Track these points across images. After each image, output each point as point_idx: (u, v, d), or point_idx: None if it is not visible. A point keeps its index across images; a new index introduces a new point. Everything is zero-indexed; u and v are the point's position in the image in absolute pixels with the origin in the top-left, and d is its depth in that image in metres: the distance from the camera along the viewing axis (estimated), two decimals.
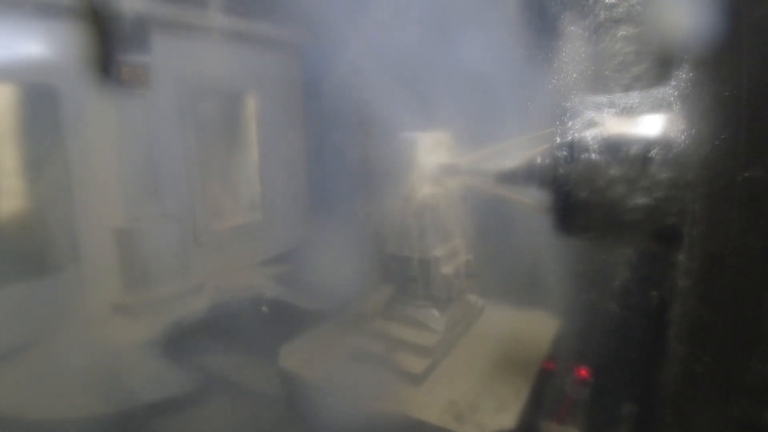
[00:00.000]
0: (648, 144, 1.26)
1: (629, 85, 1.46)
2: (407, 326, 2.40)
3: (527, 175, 1.51)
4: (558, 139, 1.35)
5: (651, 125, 1.27)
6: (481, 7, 2.54)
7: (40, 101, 3.26)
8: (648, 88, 1.36)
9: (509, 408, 1.98)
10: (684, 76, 1.23)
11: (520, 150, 1.57)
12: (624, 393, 1.82)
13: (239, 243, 4.30)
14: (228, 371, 3.37)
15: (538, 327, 2.62)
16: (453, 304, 2.46)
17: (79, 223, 3.50)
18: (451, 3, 2.69)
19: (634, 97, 1.31)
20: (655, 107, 1.28)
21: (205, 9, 3.79)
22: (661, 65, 1.37)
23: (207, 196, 4.17)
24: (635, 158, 1.27)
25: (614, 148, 1.29)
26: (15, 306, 3.20)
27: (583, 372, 2.37)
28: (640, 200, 1.27)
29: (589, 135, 1.31)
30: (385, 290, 2.59)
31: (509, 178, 1.58)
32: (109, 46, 3.37)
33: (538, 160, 1.49)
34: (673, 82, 1.27)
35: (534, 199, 1.52)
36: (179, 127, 3.88)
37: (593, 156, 1.31)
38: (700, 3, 1.12)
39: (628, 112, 1.29)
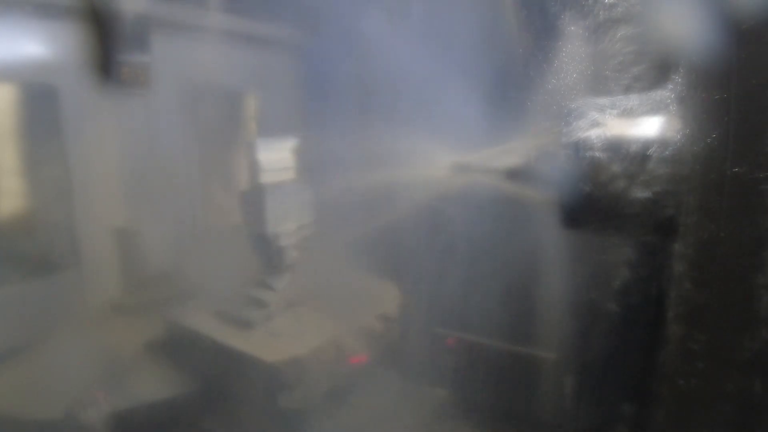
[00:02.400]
0: (647, 143, 1.37)
1: (629, 86, 1.57)
2: (256, 287, 3.34)
3: (535, 172, 1.61)
4: (564, 139, 1.45)
5: (649, 125, 1.38)
6: (482, 7, 2.63)
7: (40, 101, 3.25)
8: (647, 90, 1.47)
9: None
10: (680, 80, 1.34)
11: (527, 148, 1.67)
12: (623, 392, 1.93)
13: (239, 243, 4.32)
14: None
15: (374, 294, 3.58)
16: (293, 270, 3.38)
17: (79, 223, 3.50)
18: (452, 3, 2.79)
19: (633, 99, 1.42)
20: (654, 109, 1.39)
21: (205, 9, 3.81)
22: (659, 69, 1.48)
23: (207, 196, 4.19)
24: (635, 155, 1.38)
25: (616, 146, 1.40)
26: (15, 306, 3.19)
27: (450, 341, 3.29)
28: (640, 194, 1.38)
29: (593, 134, 1.42)
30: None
31: (518, 174, 1.68)
32: (109, 46, 3.37)
33: (545, 158, 1.59)
34: (670, 86, 1.39)
35: (541, 193, 1.62)
36: (179, 127, 3.90)
37: (596, 154, 1.42)
38: (694, 15, 1.23)
39: (629, 113, 1.40)
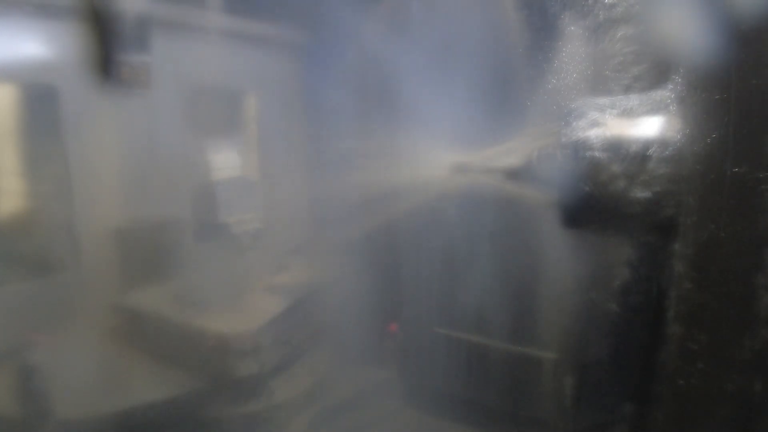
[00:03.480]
0: (647, 143, 1.37)
1: (629, 86, 1.57)
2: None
3: (535, 172, 1.61)
4: (564, 139, 1.45)
5: (649, 125, 1.38)
6: (482, 6, 2.63)
7: (40, 101, 3.25)
8: (647, 90, 1.47)
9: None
10: (680, 80, 1.34)
11: (527, 148, 1.68)
12: (621, 391, 1.94)
13: (239, 243, 4.32)
14: None
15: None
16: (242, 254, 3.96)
17: (79, 223, 3.49)
18: (452, 2, 2.79)
19: (633, 99, 1.42)
20: (654, 109, 1.39)
21: (205, 9, 3.81)
22: (659, 69, 1.48)
23: (206, 196, 4.19)
24: (635, 155, 1.38)
25: (616, 146, 1.40)
26: (15, 306, 3.19)
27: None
28: (640, 194, 1.38)
29: (593, 134, 1.42)
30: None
31: (518, 174, 1.68)
32: (109, 46, 3.37)
33: (545, 158, 1.59)
34: (670, 86, 1.39)
35: (541, 193, 1.62)
36: (179, 127, 3.90)
37: (596, 154, 1.42)
38: (694, 15, 1.23)
39: (629, 113, 1.40)
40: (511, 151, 1.76)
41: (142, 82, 3.56)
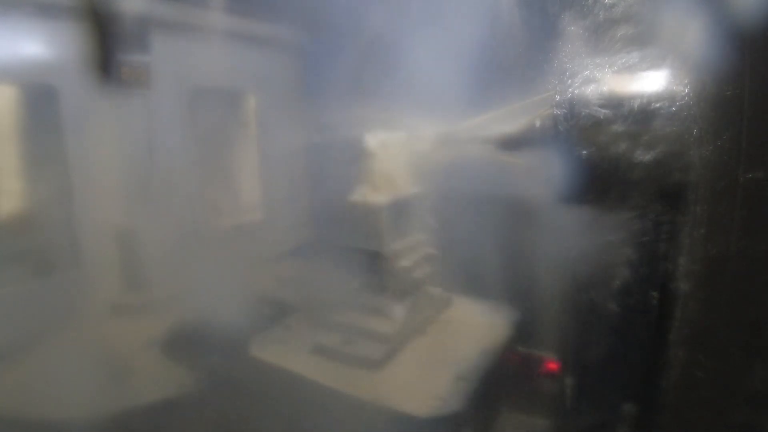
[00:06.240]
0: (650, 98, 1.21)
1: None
2: (367, 315, 2.61)
3: (528, 139, 1.45)
4: (560, 105, 1.30)
5: (653, 81, 1.22)
6: None
7: (40, 101, 3.26)
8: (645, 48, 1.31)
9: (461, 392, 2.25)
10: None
11: (519, 115, 1.51)
12: (620, 393, 1.80)
13: (239, 243, 4.30)
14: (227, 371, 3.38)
15: (504, 319, 2.95)
16: (413, 295, 2.72)
17: (79, 223, 3.50)
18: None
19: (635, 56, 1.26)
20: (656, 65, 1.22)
21: (205, 9, 3.79)
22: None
23: (207, 196, 4.17)
24: (638, 113, 1.22)
25: (616, 103, 1.24)
26: (15, 306, 3.20)
27: (552, 365, 2.60)
28: (644, 156, 1.22)
29: (589, 91, 1.27)
30: (351, 282, 2.81)
31: (509, 143, 1.51)
32: (109, 46, 3.36)
33: (539, 123, 1.43)
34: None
35: (535, 165, 1.46)
36: (179, 127, 3.88)
37: (594, 111, 1.26)
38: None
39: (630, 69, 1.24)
40: (502, 119, 1.57)
41: (142, 82, 3.56)
